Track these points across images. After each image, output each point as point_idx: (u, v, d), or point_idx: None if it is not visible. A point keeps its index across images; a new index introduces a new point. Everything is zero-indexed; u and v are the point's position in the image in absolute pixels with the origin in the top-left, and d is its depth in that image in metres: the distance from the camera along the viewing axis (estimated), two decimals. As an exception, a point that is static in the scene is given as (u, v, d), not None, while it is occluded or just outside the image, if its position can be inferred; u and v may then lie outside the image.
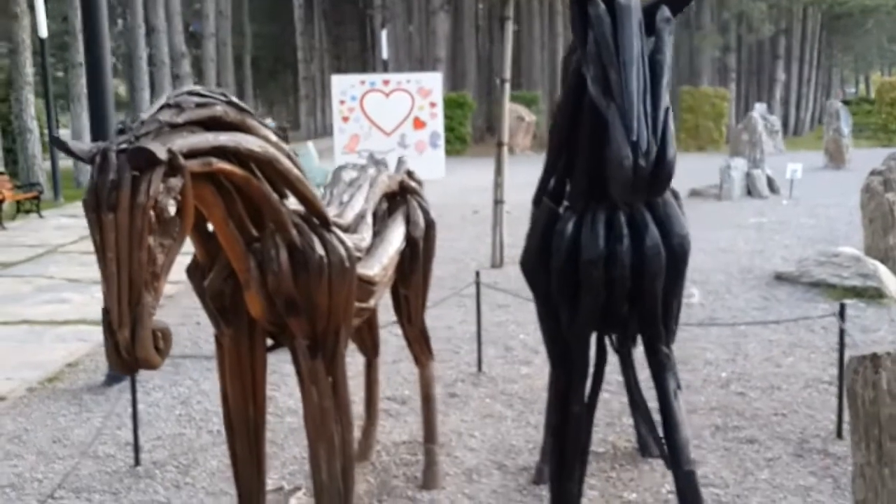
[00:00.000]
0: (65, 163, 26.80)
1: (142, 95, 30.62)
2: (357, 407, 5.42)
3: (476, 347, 6.67)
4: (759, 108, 29.00)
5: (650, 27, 2.59)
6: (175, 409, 5.96)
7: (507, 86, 10.97)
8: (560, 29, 41.46)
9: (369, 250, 3.88)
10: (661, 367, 3.24)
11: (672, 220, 3.06)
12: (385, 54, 34.44)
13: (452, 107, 33.16)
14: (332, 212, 3.91)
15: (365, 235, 3.86)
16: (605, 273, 2.98)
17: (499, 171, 11.28)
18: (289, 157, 3.18)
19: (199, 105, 2.80)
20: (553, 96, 42.97)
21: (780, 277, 9.28)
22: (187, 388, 6.38)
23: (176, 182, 2.57)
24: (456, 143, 33.46)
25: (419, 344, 4.58)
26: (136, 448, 5.05)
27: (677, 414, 3.22)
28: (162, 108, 2.72)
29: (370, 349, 4.84)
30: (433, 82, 25.07)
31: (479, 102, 47.69)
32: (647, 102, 2.38)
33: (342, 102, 24.16)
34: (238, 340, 3.42)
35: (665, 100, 2.42)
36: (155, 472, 4.92)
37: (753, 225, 13.57)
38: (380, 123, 24.22)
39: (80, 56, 24.92)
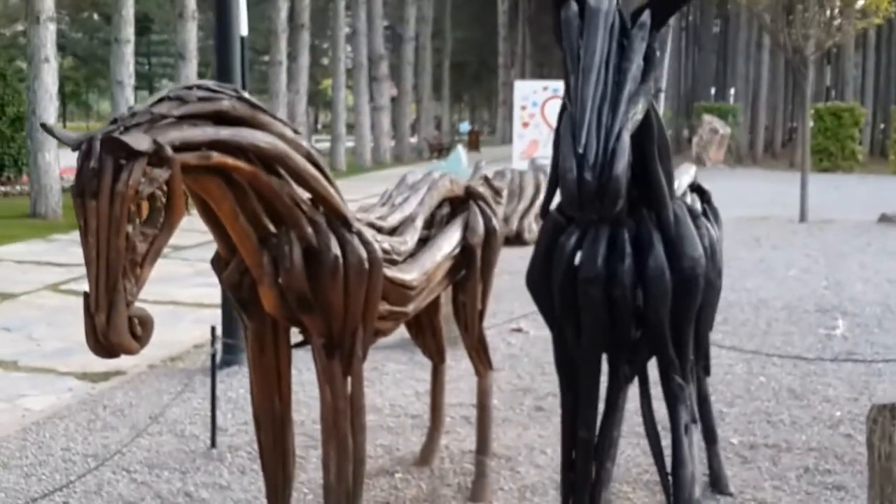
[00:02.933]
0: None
1: (338, 95, 31.86)
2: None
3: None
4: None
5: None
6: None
7: (662, 96, 10.57)
8: (766, 41, 39.69)
9: (413, 254, 3.84)
10: (673, 399, 3.01)
11: (684, 241, 2.84)
12: (580, 61, 34.12)
13: (644, 117, 32.47)
14: (378, 213, 3.91)
15: (408, 239, 3.81)
16: (606, 293, 2.81)
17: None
18: (307, 155, 3.18)
19: (202, 99, 2.85)
20: (755, 108, 41.26)
21: (942, 314, 8.48)
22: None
23: (160, 173, 2.62)
24: (644, 153, 32.76)
25: (477, 353, 4.49)
26: (213, 430, 5.24)
27: (685, 450, 2.98)
28: (161, 100, 2.79)
29: (435, 354, 4.78)
30: (618, 91, 24.59)
31: (677, 114, 46.54)
32: (605, 113, 2.22)
33: (523, 108, 24.31)
34: (260, 334, 3.46)
35: (626, 111, 2.24)
36: (227, 455, 5.08)
37: (938, 257, 12.48)
38: (559, 130, 24.08)
39: (281, 55, 26.23)
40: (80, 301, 2.63)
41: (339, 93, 31.96)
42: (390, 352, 7.07)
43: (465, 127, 57.61)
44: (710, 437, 4.55)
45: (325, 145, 35.89)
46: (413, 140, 41.66)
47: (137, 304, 2.66)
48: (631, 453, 4.97)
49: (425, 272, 3.82)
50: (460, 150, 10.78)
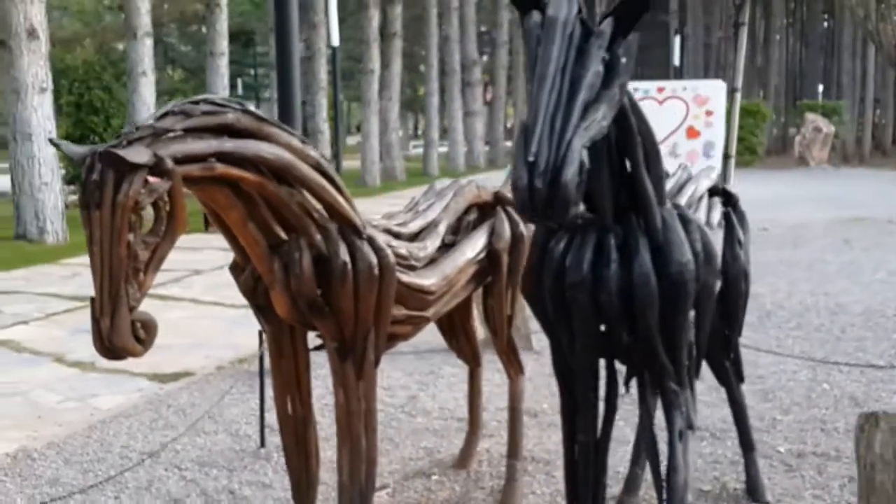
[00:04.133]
0: (352, 164, 28.70)
1: (431, 101, 32.16)
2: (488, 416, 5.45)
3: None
4: None
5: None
6: (324, 397, 6.25)
7: (738, 95, 10.36)
8: (873, 35, 38.32)
9: (434, 259, 3.90)
10: (668, 405, 3.00)
11: (672, 247, 2.82)
12: (676, 60, 33.56)
13: (743, 116, 31.60)
14: (400, 220, 3.99)
15: (428, 244, 3.88)
16: (593, 298, 2.82)
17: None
18: (316, 165, 3.28)
19: (206, 113, 2.97)
20: (863, 106, 39.87)
21: None
22: (347, 380, 6.68)
23: (161, 184, 2.76)
24: (745, 153, 31.89)
25: (507, 356, 4.52)
26: (262, 430, 5.41)
27: (679, 457, 2.96)
28: (165, 115, 2.92)
29: (470, 358, 4.84)
30: (712, 90, 24.11)
31: (783, 112, 45.27)
32: (558, 121, 2.24)
33: (613, 109, 24.01)
34: (278, 338, 3.58)
35: (579, 119, 2.25)
36: (273, 454, 5.23)
37: None
38: (650, 132, 23.73)
39: (373, 63, 26.62)
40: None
41: (431, 98, 32.26)
42: (448, 355, 7.12)
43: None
44: (746, 445, 4.48)
45: (421, 151, 36.19)
46: (508, 144, 41.66)
47: (141, 309, 2.80)
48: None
49: (446, 277, 3.87)
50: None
